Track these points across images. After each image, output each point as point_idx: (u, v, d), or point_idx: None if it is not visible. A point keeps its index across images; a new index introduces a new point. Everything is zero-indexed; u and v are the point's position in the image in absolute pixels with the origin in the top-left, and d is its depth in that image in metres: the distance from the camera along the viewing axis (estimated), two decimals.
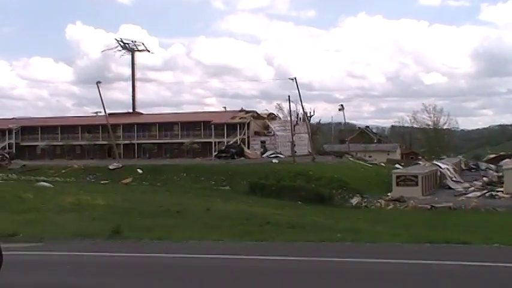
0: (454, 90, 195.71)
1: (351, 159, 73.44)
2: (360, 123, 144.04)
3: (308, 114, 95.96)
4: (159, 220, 29.09)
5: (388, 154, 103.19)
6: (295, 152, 77.92)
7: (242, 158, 70.54)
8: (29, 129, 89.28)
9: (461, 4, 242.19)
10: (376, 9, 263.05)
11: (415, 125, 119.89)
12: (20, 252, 13.38)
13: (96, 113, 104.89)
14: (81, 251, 13.43)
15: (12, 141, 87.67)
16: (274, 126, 78.91)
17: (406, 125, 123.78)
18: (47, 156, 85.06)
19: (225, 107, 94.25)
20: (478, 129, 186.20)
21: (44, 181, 59.49)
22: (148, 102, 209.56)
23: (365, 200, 51.72)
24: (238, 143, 75.87)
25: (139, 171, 62.51)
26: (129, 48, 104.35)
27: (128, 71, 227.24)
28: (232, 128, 77.81)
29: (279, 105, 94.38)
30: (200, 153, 77.69)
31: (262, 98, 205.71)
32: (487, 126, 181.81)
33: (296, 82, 68.76)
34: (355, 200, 51.74)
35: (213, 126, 77.58)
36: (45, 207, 36.87)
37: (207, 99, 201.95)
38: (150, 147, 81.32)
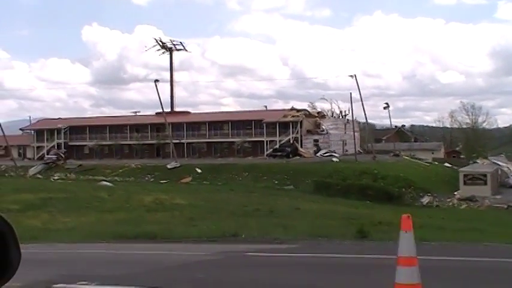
0: (472, 89, 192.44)
1: (406, 157, 72.17)
2: (378, 122, 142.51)
3: (343, 113, 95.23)
4: (265, 220, 28.54)
5: (433, 153, 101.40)
6: (346, 151, 77.11)
7: (297, 157, 69.77)
8: (77, 129, 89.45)
9: (478, 2, 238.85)
10: (391, 8, 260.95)
11: (454, 125, 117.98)
12: (283, 254, 12.98)
13: (136, 112, 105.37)
14: (342, 253, 12.60)
15: (61, 141, 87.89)
16: (326, 124, 77.94)
17: (446, 124, 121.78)
18: (95, 155, 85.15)
19: (265, 106, 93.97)
20: (499, 128, 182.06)
21: (104, 181, 59.71)
22: (164, 103, 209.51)
23: (436, 199, 50.66)
24: (291, 141, 75.05)
25: (198, 170, 62.15)
26: (168, 47, 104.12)
27: (143, 72, 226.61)
28: (283, 126, 76.97)
29: (311, 103, 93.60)
30: (251, 152, 76.99)
31: (278, 98, 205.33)
32: (508, 125, 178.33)
33: (356, 79, 67.83)
34: (425, 199, 50.75)
35: (264, 124, 76.79)
36: (130, 206, 36.74)
37: (223, 100, 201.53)
38: (199, 147, 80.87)
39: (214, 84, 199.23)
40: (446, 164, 75.55)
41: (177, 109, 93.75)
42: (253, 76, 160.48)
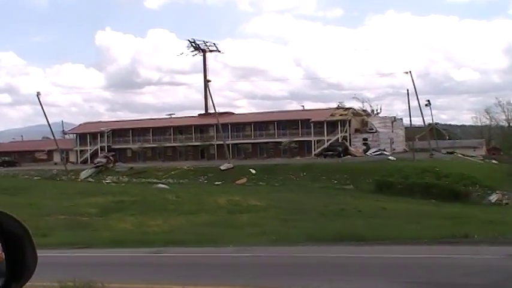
0: (487, 86, 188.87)
1: (460, 155, 70.88)
2: None
3: (375, 112, 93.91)
4: (370, 220, 27.78)
5: (474, 150, 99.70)
6: (394, 149, 75.90)
7: (348, 156, 68.79)
8: (119, 132, 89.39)
9: None
10: (404, 7, 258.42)
11: (491, 122, 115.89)
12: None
13: (170, 115, 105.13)
14: None
15: (104, 144, 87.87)
16: (374, 123, 76.87)
17: (484, 122, 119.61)
18: (138, 158, 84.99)
19: (303, 106, 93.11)
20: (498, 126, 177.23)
21: (159, 183, 59.39)
22: (177, 106, 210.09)
23: (506, 196, 49.36)
24: (340, 141, 74.06)
25: (253, 171, 61.47)
26: (201, 48, 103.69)
27: (156, 75, 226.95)
28: (331, 125, 76.02)
29: (341, 103, 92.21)
30: (297, 152, 76.16)
31: (292, 99, 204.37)
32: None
33: (411, 76, 66.78)
34: (493, 197, 49.50)
35: (312, 124, 75.89)
36: (208, 208, 36.18)
37: (237, 102, 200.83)
38: (244, 148, 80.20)
39: (227, 86, 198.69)
40: (494, 161, 74.13)
41: (186, 113, 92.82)
42: (266, 77, 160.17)
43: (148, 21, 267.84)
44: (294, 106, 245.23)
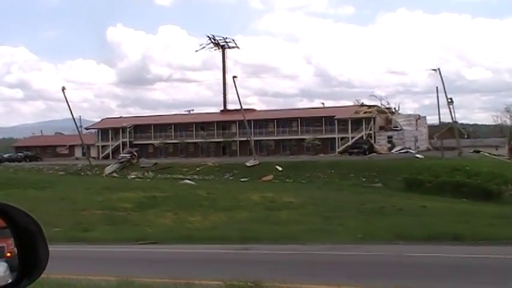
0: (499, 85, 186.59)
1: (486, 154, 70.03)
2: None
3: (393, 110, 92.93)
4: (417, 218, 27.24)
5: (496, 149, 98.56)
6: (418, 147, 75.18)
7: (374, 154, 68.20)
8: (141, 127, 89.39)
9: None
10: (415, 4, 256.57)
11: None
12: None
13: (189, 111, 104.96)
14: None
15: (126, 139, 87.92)
16: (399, 120, 76.18)
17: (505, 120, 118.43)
18: (160, 154, 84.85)
19: (323, 103, 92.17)
20: None
21: (185, 179, 59.20)
22: (188, 102, 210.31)
23: None
24: (364, 138, 73.48)
25: (279, 168, 61.04)
26: (220, 45, 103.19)
27: (167, 72, 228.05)
28: (355, 123, 75.43)
29: (357, 101, 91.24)
30: (321, 149, 75.69)
31: (302, 96, 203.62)
32: None
33: (440, 73, 66.07)
34: None
35: (336, 121, 75.37)
36: (245, 205, 35.87)
37: (247, 99, 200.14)
38: (267, 144, 79.80)
39: (238, 83, 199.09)
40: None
41: (197, 109, 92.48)
42: (277, 75, 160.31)
43: (160, 18, 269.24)
44: (304, 104, 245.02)
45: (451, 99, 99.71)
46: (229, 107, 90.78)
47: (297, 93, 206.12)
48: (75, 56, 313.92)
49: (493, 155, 71.56)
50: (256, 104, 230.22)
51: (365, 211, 32.00)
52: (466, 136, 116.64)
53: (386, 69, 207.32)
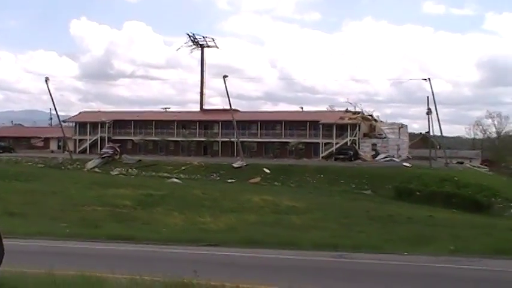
0: (459, 99, 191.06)
1: (468, 165, 70.91)
2: None
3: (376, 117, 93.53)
4: (431, 228, 27.02)
5: (470, 161, 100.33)
6: (400, 156, 75.58)
7: (359, 161, 68.31)
8: (121, 123, 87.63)
9: (466, 13, 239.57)
10: (381, 14, 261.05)
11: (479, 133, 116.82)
12: None
13: (165, 108, 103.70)
14: None
15: (105, 134, 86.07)
16: (383, 128, 76.53)
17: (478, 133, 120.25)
18: (139, 150, 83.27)
19: (301, 107, 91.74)
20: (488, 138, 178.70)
21: (172, 178, 58.12)
22: (150, 100, 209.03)
23: None
24: (349, 144, 73.51)
25: (267, 170, 60.45)
26: (200, 43, 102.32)
27: (129, 68, 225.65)
28: (340, 129, 75.39)
29: (331, 107, 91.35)
30: (305, 153, 75.50)
31: (266, 100, 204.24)
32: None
33: (430, 83, 66.61)
34: None
35: (321, 126, 75.24)
36: (249, 207, 35.19)
37: (211, 99, 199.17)
38: (250, 146, 79.11)
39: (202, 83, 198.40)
40: (490, 173, 74.45)
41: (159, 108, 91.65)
42: (242, 77, 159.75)
43: (125, 13, 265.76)
44: (268, 107, 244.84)
45: (429, 109, 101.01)
46: (189, 106, 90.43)
47: (261, 96, 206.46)
48: (36, 47, 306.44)
49: (475, 166, 72.52)
50: (219, 105, 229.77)
51: (375, 218, 31.70)
52: (438, 147, 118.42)
53: (350, 77, 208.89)
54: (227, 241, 19.77)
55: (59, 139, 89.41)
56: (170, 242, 20.15)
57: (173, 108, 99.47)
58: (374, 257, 15.45)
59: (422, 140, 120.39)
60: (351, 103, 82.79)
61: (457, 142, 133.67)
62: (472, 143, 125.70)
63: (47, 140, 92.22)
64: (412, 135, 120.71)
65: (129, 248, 17.81)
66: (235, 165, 63.18)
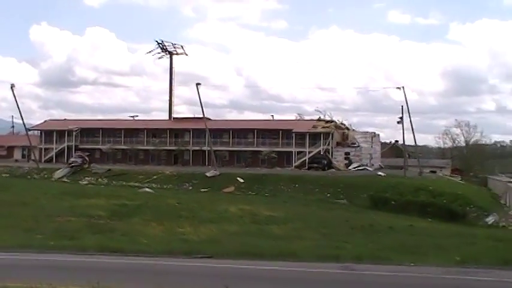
0: (424, 108, 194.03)
1: (441, 174, 71.31)
2: None
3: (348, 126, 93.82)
4: (420, 238, 26.55)
5: (441, 170, 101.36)
6: (372, 165, 75.59)
7: (333, 170, 67.98)
8: (88, 131, 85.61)
9: (431, 22, 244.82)
10: (347, 23, 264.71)
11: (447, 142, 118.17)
12: None
13: (133, 116, 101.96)
14: None
15: (72, 143, 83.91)
16: (356, 137, 76.43)
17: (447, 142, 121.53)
18: (108, 159, 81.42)
19: (272, 115, 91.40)
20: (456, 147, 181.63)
21: (143, 187, 56.76)
22: (114, 107, 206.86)
23: (503, 219, 49.31)
24: (322, 153, 73.12)
25: (240, 180, 59.56)
26: (169, 51, 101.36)
27: (92, 75, 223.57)
28: (312, 137, 74.99)
29: (300, 115, 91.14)
30: (277, 162, 74.85)
31: (232, 107, 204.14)
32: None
33: (404, 91, 66.82)
34: (490, 219, 49.29)
35: (294, 135, 74.74)
36: (228, 217, 34.25)
37: (176, 107, 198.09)
38: (221, 155, 78.02)
39: (166, 91, 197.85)
40: (461, 182, 75.15)
41: (122, 115, 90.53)
42: (207, 85, 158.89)
43: (88, 19, 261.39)
44: (234, 115, 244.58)
45: (401, 118, 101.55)
46: (154, 114, 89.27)
47: (227, 104, 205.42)
48: None
49: (447, 175, 73.00)
50: (184, 112, 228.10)
51: (356, 227, 31.17)
52: (408, 156, 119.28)
53: (316, 85, 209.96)
54: (218, 252, 18.87)
55: (23, 148, 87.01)
56: (159, 254, 19.22)
57: (140, 117, 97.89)
58: (381, 269, 14.79)
59: (392, 149, 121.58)
60: (320, 111, 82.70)
61: (424, 151, 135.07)
62: (439, 152, 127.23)
63: (10, 149, 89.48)
64: (381, 145, 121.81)
65: (122, 260, 16.74)
66: (208, 174, 62.16)
